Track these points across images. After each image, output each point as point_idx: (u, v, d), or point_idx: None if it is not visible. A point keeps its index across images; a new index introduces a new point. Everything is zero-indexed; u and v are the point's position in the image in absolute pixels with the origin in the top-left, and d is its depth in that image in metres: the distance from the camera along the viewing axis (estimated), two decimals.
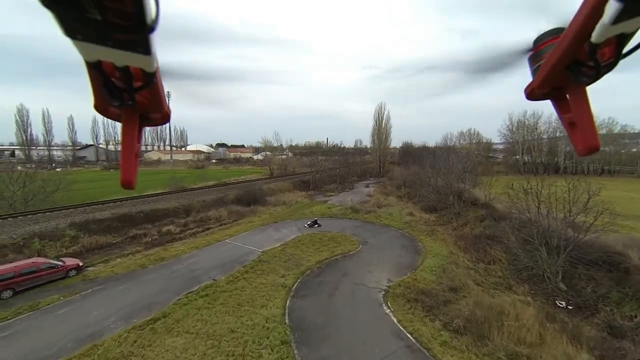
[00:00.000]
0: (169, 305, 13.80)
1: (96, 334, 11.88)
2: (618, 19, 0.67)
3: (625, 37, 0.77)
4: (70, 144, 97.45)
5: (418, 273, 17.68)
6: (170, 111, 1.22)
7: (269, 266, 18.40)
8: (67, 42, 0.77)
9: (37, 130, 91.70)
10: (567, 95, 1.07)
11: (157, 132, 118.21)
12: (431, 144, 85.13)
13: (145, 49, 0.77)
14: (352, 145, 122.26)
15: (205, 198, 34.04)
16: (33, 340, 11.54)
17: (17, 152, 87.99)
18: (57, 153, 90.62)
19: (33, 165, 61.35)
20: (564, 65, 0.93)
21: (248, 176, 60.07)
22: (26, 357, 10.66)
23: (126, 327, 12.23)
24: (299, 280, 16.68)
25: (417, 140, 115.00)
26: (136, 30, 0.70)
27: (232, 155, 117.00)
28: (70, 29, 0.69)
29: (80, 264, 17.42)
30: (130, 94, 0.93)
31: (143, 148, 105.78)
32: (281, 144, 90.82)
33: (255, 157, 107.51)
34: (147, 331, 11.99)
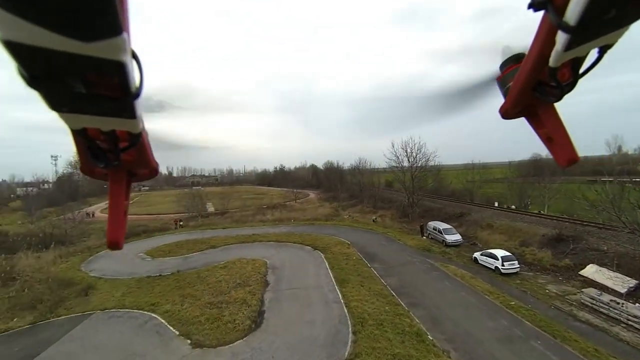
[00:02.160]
0: None
1: None
2: (569, 46, 0.72)
3: (579, 60, 0.84)
4: None
5: None
6: (158, 165, 1.20)
7: None
8: None
9: None
10: (539, 113, 1.08)
11: None
12: None
13: (130, 113, 0.78)
14: None
15: None
16: None
17: None
18: None
19: None
20: (530, 87, 0.97)
21: None
22: None
23: None
24: None
25: None
26: (121, 99, 0.71)
27: None
28: (56, 104, 0.69)
29: None
30: (116, 154, 0.92)
31: None
32: None
33: None
34: None
